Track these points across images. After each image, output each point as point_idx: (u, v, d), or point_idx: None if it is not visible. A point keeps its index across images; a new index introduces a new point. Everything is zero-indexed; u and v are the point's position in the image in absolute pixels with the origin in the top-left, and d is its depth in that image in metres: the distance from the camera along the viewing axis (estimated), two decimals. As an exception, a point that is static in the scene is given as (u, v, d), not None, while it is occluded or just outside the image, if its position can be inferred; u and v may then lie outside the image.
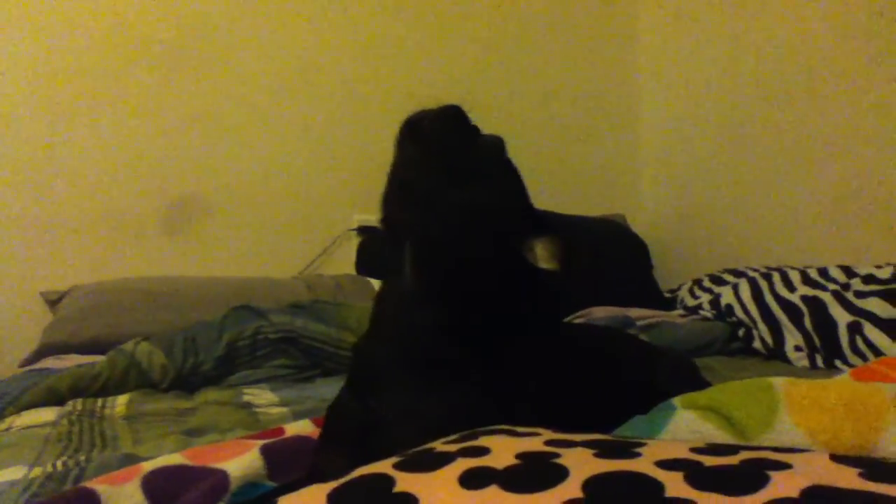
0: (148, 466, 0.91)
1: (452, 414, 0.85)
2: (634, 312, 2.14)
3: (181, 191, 2.57)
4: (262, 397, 1.58)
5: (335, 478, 0.57)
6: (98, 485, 0.85)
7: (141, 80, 2.52)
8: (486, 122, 3.03)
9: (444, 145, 0.96)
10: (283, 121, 2.70)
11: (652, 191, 3.14)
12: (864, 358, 1.72)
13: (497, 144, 1.00)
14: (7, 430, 1.36)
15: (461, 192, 0.92)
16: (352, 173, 2.73)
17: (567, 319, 2.08)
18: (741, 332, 2.01)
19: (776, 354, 1.91)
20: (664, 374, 1.12)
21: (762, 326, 1.97)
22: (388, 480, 0.55)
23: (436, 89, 2.86)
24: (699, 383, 1.14)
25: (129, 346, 1.71)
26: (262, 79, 2.67)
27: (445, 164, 0.94)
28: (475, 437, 0.62)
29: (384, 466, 0.57)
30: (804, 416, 0.80)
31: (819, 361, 1.81)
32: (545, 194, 2.82)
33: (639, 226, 2.97)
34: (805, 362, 1.82)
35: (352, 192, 2.66)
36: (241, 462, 0.95)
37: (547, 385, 0.92)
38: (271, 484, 0.96)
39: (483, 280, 0.93)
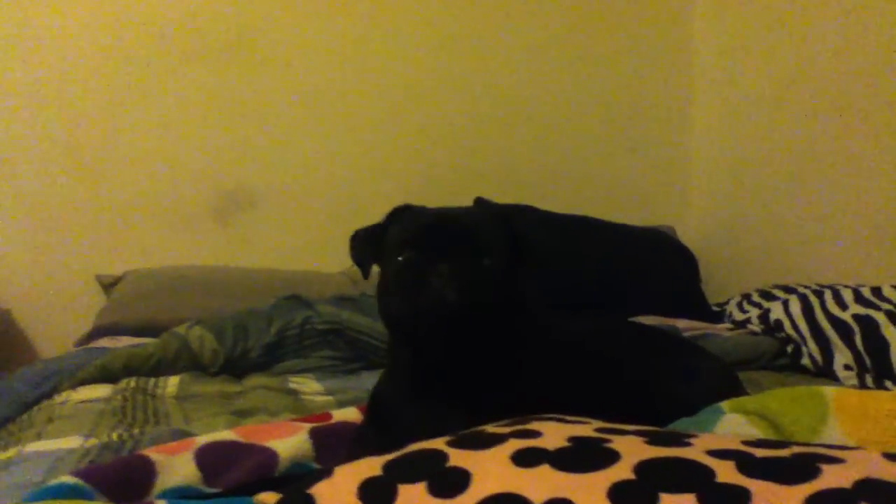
0: (201, 440, 0.94)
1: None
2: (682, 324, 2.13)
3: (233, 183, 2.63)
4: (307, 386, 1.61)
5: None
6: (153, 453, 0.88)
7: (196, 74, 2.57)
8: (536, 130, 3.04)
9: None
10: (334, 116, 2.73)
11: (702, 202, 3.11)
12: (915, 379, 1.69)
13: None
14: (63, 403, 1.41)
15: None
16: (401, 169, 2.76)
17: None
18: (789, 349, 1.98)
19: (824, 372, 1.87)
20: (706, 380, 1.11)
21: (811, 343, 1.93)
22: (441, 455, 0.56)
23: (483, 93, 2.88)
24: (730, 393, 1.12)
25: (181, 329, 1.75)
26: (313, 74, 2.71)
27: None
28: (526, 421, 0.63)
29: (437, 443, 0.59)
30: (854, 426, 0.79)
31: (869, 381, 1.77)
32: (594, 203, 2.85)
33: (688, 237, 2.94)
34: (854, 381, 1.79)
35: (401, 187, 2.68)
36: (291, 443, 0.98)
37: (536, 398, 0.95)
38: (318, 466, 0.98)
39: (479, 352, 0.97)
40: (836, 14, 2.46)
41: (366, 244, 1.07)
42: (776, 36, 2.72)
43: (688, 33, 3.13)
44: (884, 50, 2.29)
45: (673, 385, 1.06)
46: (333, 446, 1.01)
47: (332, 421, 1.08)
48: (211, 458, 0.90)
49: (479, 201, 2.54)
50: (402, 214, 1.04)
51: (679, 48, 3.12)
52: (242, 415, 1.29)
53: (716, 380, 1.14)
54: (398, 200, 1.10)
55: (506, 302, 0.96)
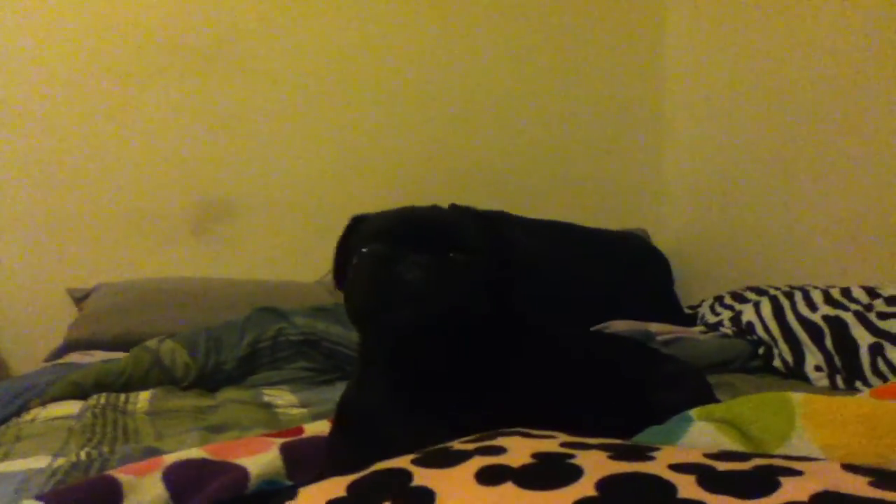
0: (169, 459, 0.93)
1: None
2: (655, 327, 2.14)
3: (208, 193, 2.61)
4: (282, 398, 1.60)
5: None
6: (120, 474, 0.87)
7: (172, 83, 2.56)
8: (510, 135, 3.04)
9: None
10: (311, 126, 2.72)
11: (675, 206, 3.13)
12: (884, 379, 1.70)
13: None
14: (32, 420, 1.39)
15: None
16: (379, 179, 2.76)
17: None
18: (761, 350, 2.00)
19: (796, 373, 1.89)
20: (684, 386, 1.11)
21: (783, 345, 1.95)
22: (405, 475, 0.56)
23: (458, 101, 2.89)
24: (708, 399, 1.12)
25: (153, 343, 1.74)
26: (291, 84, 2.70)
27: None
28: (492, 437, 0.63)
29: (402, 462, 0.58)
30: (821, 432, 0.79)
31: (839, 382, 1.79)
32: (568, 206, 2.86)
33: (661, 241, 2.96)
34: (825, 382, 1.81)
35: (378, 197, 2.67)
36: (261, 460, 0.97)
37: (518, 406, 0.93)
38: (289, 482, 0.97)
39: (459, 353, 0.94)
40: (810, 17, 2.49)
41: (335, 254, 1.05)
42: (749, 39, 2.74)
43: (661, 36, 3.15)
44: (858, 53, 2.31)
45: (655, 392, 1.06)
46: (305, 461, 1.00)
47: (304, 435, 1.07)
48: (179, 478, 0.89)
49: (454, 208, 2.54)
50: (366, 217, 1.01)
51: (652, 51, 3.15)
52: (215, 430, 1.28)
53: (694, 385, 1.14)
54: (376, 208, 1.08)
55: (485, 303, 0.93)
